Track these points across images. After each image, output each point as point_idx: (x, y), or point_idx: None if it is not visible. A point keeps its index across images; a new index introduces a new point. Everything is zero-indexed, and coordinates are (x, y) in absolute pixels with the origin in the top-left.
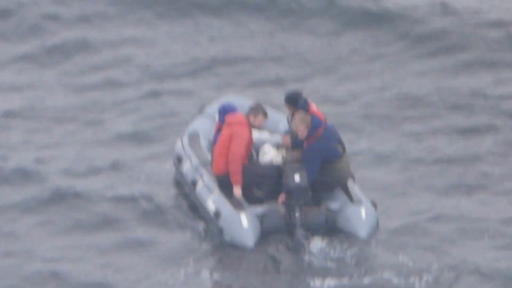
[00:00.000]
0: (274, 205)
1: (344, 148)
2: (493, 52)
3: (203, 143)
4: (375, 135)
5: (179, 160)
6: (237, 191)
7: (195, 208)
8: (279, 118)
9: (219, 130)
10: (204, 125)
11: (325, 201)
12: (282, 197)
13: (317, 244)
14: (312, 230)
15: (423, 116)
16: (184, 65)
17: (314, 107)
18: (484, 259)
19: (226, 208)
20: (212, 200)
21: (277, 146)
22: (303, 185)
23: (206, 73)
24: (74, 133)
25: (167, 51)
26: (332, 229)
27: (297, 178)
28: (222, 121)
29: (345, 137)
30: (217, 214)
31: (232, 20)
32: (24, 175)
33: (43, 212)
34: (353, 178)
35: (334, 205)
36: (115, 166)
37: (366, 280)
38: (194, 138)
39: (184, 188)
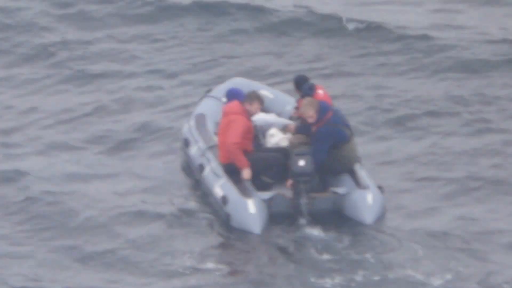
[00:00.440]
0: (282, 189)
1: (351, 132)
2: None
3: (210, 125)
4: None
5: (186, 143)
6: (246, 174)
7: (203, 192)
8: (286, 100)
9: None
10: (210, 107)
11: (332, 186)
12: (290, 181)
13: (322, 230)
14: (319, 215)
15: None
16: None
17: (321, 91)
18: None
19: (233, 194)
20: (220, 186)
21: (284, 129)
22: (308, 170)
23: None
24: None
25: None
26: (338, 214)
27: (301, 162)
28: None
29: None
30: (225, 199)
31: None
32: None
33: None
34: (360, 163)
35: (341, 190)
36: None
37: (372, 270)
38: (201, 121)
39: (192, 171)
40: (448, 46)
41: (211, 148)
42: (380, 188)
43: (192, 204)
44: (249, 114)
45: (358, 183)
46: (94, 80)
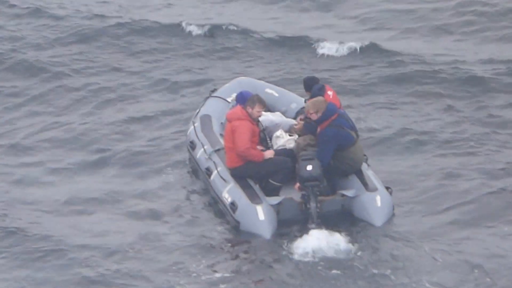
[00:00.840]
0: (290, 193)
1: (357, 135)
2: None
3: (216, 127)
4: None
5: (192, 145)
6: (268, 154)
7: (210, 196)
8: (292, 98)
9: None
10: (215, 108)
11: (340, 188)
12: (298, 184)
13: (333, 234)
14: (328, 218)
15: None
16: None
17: (330, 93)
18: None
19: (242, 200)
20: (228, 191)
21: (290, 129)
22: (316, 174)
23: None
24: None
25: None
26: (347, 216)
27: (309, 167)
28: None
29: None
30: (233, 206)
31: None
32: None
33: None
34: (367, 164)
35: (349, 192)
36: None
37: (382, 271)
38: (206, 122)
39: (199, 174)
40: None
41: (217, 151)
42: (388, 189)
43: (200, 210)
44: (252, 118)
45: (366, 185)
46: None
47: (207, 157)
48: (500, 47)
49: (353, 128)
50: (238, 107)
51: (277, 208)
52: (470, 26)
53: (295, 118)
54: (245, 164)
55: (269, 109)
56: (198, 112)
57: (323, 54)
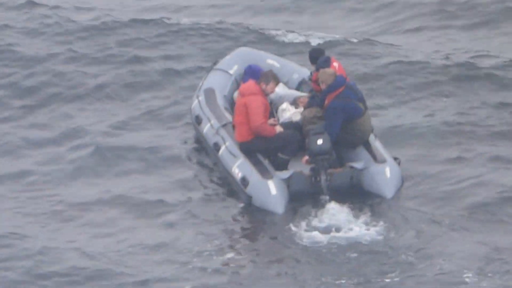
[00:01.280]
0: (297, 166)
1: (365, 106)
2: None
3: (220, 100)
4: None
5: (198, 120)
6: (278, 129)
7: (219, 172)
8: (293, 68)
9: None
10: (218, 81)
11: (349, 160)
12: (305, 157)
13: (343, 207)
14: (338, 191)
15: None
16: None
17: (336, 64)
18: None
19: (253, 175)
20: (238, 166)
21: (295, 102)
22: (326, 148)
23: None
24: None
25: None
26: (357, 188)
27: (319, 141)
28: (246, 81)
29: None
30: (244, 181)
31: None
32: None
33: None
34: (375, 135)
35: (358, 164)
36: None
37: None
38: (210, 96)
39: (205, 149)
40: None
41: (224, 126)
42: (396, 159)
43: (210, 187)
44: (265, 94)
45: (374, 157)
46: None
47: (214, 132)
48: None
49: (361, 99)
50: (251, 81)
51: (287, 182)
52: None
53: (297, 89)
54: (255, 139)
55: None
56: (201, 86)
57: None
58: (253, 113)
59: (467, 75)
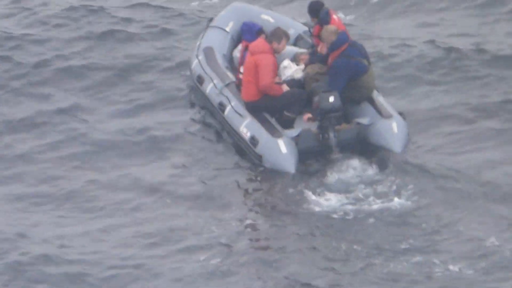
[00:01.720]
0: (300, 124)
1: (369, 62)
2: None
3: (220, 59)
4: None
5: (199, 80)
6: (284, 88)
7: (224, 131)
8: (289, 23)
9: (247, 47)
10: (216, 40)
11: (354, 117)
12: (307, 115)
13: (353, 162)
14: (345, 147)
15: None
16: None
17: (335, 17)
18: None
19: (262, 134)
20: (245, 126)
21: (295, 58)
22: (338, 105)
23: None
24: None
25: None
26: (364, 144)
27: (331, 99)
28: (247, 39)
29: None
30: (254, 140)
31: None
32: None
33: None
34: (378, 90)
35: (364, 120)
36: None
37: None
38: (210, 55)
39: (209, 109)
40: None
41: (228, 85)
42: (401, 114)
43: (216, 149)
44: (275, 52)
45: (380, 112)
46: None
47: (218, 92)
48: None
49: (365, 55)
50: (261, 39)
51: (296, 139)
52: None
53: (294, 45)
54: (263, 98)
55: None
56: (199, 45)
57: None
58: (263, 72)
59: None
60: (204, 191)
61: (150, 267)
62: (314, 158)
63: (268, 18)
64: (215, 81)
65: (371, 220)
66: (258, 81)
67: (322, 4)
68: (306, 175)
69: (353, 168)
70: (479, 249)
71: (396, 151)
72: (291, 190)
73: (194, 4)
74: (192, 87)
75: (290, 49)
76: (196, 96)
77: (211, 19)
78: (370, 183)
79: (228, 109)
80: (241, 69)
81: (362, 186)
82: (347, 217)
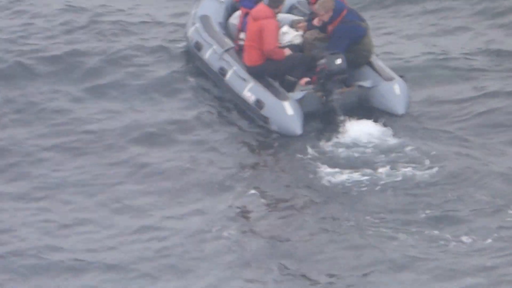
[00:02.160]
0: (303, 87)
1: (367, 25)
2: None
3: (217, 27)
4: None
5: (197, 46)
6: (287, 52)
7: (227, 96)
8: None
9: (246, 14)
10: (211, 9)
11: (356, 80)
12: (304, 79)
13: (357, 124)
14: (348, 110)
15: None
16: None
17: None
18: None
19: (268, 97)
20: (249, 89)
21: (293, 24)
22: (345, 67)
23: None
24: None
25: None
26: (365, 106)
27: (338, 61)
28: (246, 6)
29: None
30: (259, 103)
31: None
32: None
33: None
34: (376, 54)
35: (366, 83)
36: None
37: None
38: (207, 23)
39: (208, 75)
40: None
41: (228, 51)
42: (402, 77)
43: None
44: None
45: (380, 75)
46: None
47: (218, 57)
48: None
49: (362, 18)
50: (262, 4)
51: (300, 101)
52: None
53: (289, 12)
54: (266, 62)
55: None
56: (195, 13)
57: None
58: (269, 36)
59: None
60: (205, 156)
61: (159, 255)
62: (318, 120)
63: None
64: (214, 47)
65: (381, 187)
66: (263, 45)
67: None
68: (312, 136)
69: (360, 131)
70: (498, 220)
71: (399, 113)
72: (297, 152)
73: None
74: (187, 55)
75: (287, 16)
76: (192, 71)
77: None
78: (380, 148)
79: (229, 73)
80: (241, 35)
81: (370, 150)
82: (358, 185)
